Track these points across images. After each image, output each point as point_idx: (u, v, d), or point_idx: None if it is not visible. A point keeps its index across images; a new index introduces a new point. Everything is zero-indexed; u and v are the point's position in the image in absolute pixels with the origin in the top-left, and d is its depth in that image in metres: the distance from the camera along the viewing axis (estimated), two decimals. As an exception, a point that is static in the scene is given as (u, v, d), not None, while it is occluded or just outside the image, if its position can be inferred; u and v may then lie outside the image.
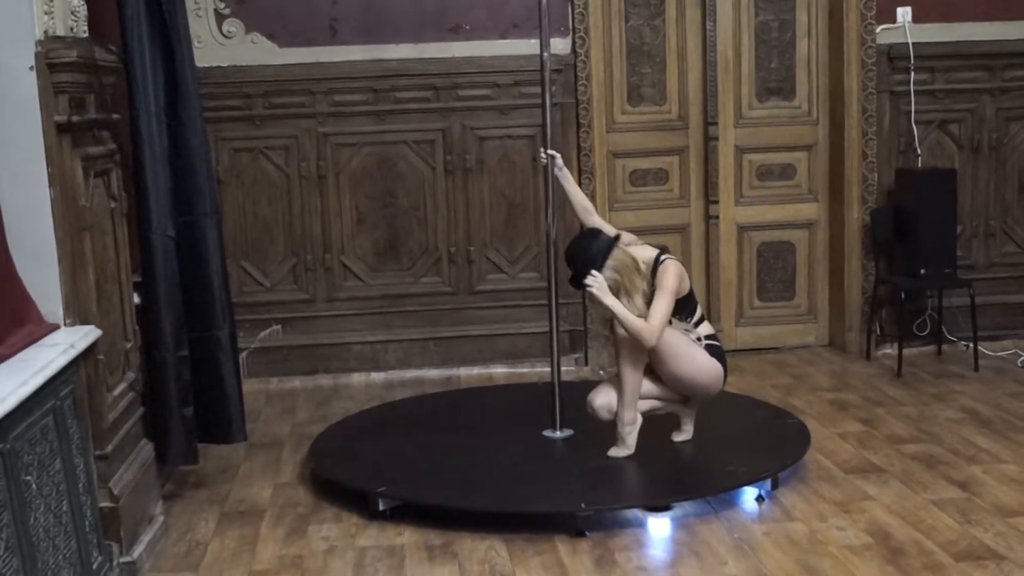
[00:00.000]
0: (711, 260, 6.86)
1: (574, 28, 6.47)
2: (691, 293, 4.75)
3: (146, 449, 4.38)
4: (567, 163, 6.37)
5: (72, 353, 3.56)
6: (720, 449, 4.88)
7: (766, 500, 4.54)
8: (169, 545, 4.29)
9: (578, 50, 6.47)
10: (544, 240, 5.40)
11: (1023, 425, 5.37)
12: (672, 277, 4.59)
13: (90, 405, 3.82)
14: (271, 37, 6.35)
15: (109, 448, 3.90)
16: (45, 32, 3.66)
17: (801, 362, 6.74)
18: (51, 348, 3.52)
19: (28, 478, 3.19)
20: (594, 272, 4.53)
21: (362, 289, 6.61)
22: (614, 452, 4.73)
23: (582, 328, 6.65)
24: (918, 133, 6.69)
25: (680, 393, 4.79)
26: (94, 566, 3.65)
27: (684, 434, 4.89)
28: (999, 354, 6.62)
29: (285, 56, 6.36)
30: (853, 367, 6.58)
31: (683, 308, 4.67)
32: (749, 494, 4.57)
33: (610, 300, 4.52)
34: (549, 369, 5.19)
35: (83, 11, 3.93)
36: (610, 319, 4.65)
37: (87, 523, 3.63)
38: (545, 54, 4.98)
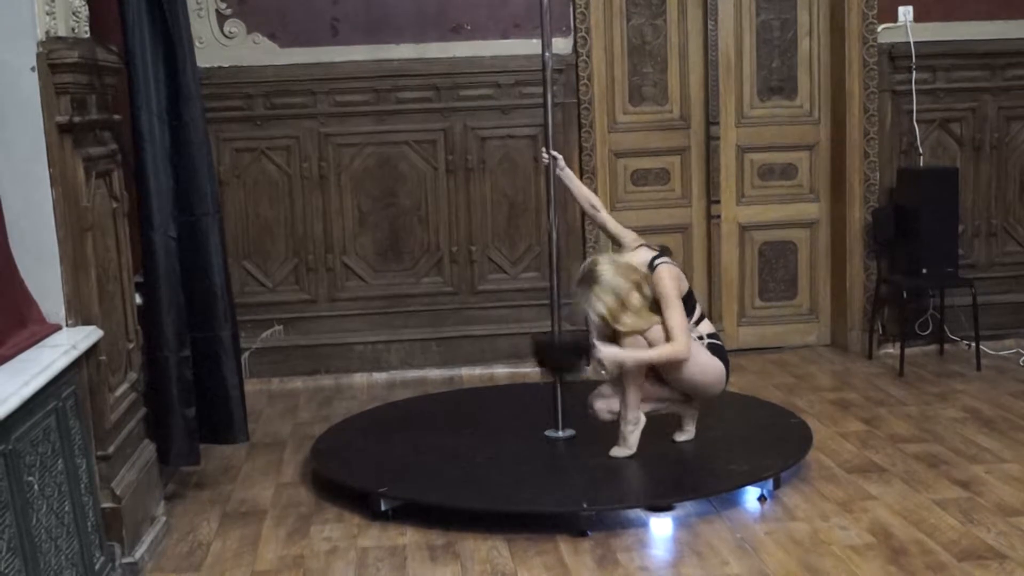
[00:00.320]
0: (713, 260, 6.86)
1: (575, 28, 6.47)
2: (690, 292, 4.75)
3: (148, 449, 4.38)
4: (568, 163, 6.38)
5: (74, 354, 3.56)
6: (722, 449, 4.88)
7: (768, 500, 4.53)
8: (171, 545, 4.29)
9: (580, 50, 6.47)
10: (546, 240, 5.40)
11: (1025, 424, 5.38)
12: (669, 282, 4.59)
13: (92, 405, 3.82)
14: (272, 37, 6.35)
15: (111, 448, 3.90)
16: (47, 32, 3.66)
17: (803, 361, 6.73)
18: (53, 349, 3.52)
19: (30, 479, 3.19)
20: (595, 343, 4.53)
21: (364, 289, 6.61)
22: (616, 452, 4.73)
23: (584, 328, 6.63)
24: (920, 132, 6.69)
25: (683, 393, 4.78)
26: (96, 567, 3.65)
27: (686, 434, 4.89)
28: (1001, 353, 6.62)
29: (286, 56, 6.36)
30: (855, 366, 6.58)
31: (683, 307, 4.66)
32: (751, 494, 4.57)
33: (628, 357, 4.53)
34: (551, 369, 5.19)
35: (84, 11, 3.94)
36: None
37: (89, 523, 3.63)
38: (547, 54, 4.98)
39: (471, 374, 6.59)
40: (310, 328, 6.59)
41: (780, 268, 6.99)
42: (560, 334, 5.01)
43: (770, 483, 4.58)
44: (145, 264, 4.43)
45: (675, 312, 4.56)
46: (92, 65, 3.87)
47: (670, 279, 4.60)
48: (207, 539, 4.36)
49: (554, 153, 5.01)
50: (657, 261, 4.65)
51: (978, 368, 6.35)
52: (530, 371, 6.41)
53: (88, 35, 3.95)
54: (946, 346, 6.76)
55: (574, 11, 6.45)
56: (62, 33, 3.74)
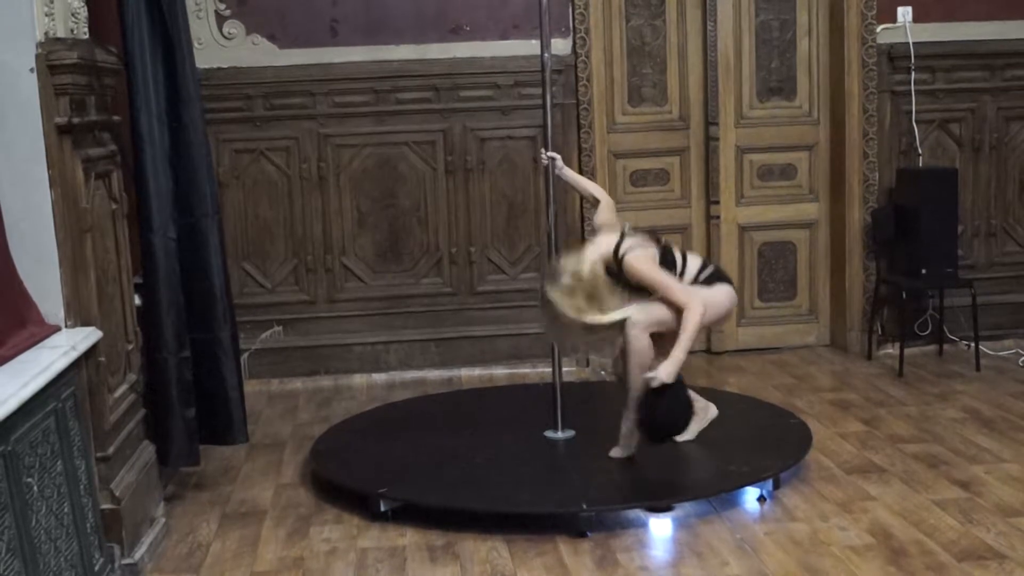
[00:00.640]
0: (712, 260, 6.84)
1: (575, 28, 6.47)
2: (665, 248, 4.69)
3: (147, 451, 4.38)
4: (568, 163, 6.38)
5: (73, 355, 3.56)
6: (721, 449, 4.87)
7: (768, 500, 4.53)
8: (171, 546, 4.29)
9: (579, 50, 6.47)
10: (545, 240, 5.40)
11: (1025, 425, 5.38)
12: (642, 265, 4.53)
13: (91, 407, 3.82)
14: (272, 38, 6.35)
15: (110, 450, 3.90)
16: (46, 34, 3.66)
17: (802, 362, 6.73)
18: (52, 350, 3.52)
19: (29, 480, 3.19)
20: (651, 375, 4.42)
21: (363, 290, 6.61)
22: (616, 452, 4.73)
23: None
24: (919, 133, 6.69)
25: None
26: (96, 568, 3.65)
27: (687, 434, 4.89)
28: (1000, 354, 6.62)
29: (286, 57, 6.36)
30: (854, 367, 6.58)
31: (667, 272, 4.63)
32: (751, 494, 4.57)
33: (676, 359, 4.43)
34: (550, 370, 5.19)
35: (84, 13, 3.93)
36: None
37: (88, 525, 3.63)
38: (546, 55, 4.98)
39: (470, 375, 6.59)
40: (309, 329, 6.59)
41: (779, 269, 6.99)
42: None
43: (770, 484, 4.58)
44: (144, 265, 4.43)
45: (668, 287, 4.52)
46: (91, 66, 3.87)
47: (641, 263, 4.53)
48: (207, 540, 4.35)
49: (552, 154, 5.01)
50: (621, 253, 4.56)
51: (977, 368, 6.35)
52: (529, 372, 6.43)
53: (87, 36, 3.95)
54: (945, 346, 6.76)
55: (573, 12, 6.46)
56: (61, 34, 3.74)
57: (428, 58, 6.42)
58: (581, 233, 6.54)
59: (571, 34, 6.47)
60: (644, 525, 4.37)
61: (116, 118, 4.19)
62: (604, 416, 4.95)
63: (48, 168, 3.67)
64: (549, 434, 5.08)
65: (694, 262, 4.76)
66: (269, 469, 5.14)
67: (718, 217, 6.85)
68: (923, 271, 6.40)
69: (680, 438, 4.87)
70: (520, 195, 6.60)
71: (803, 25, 6.81)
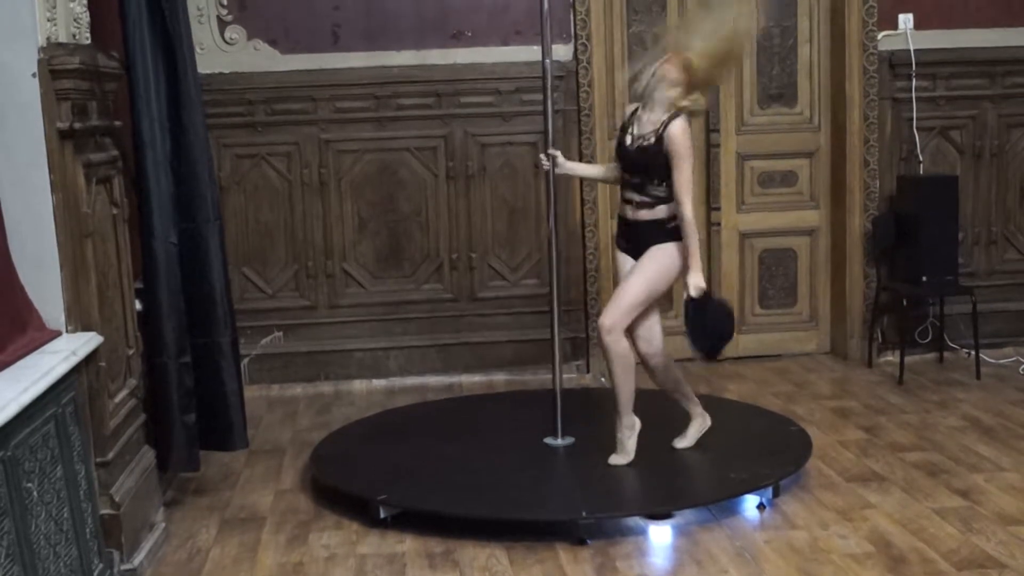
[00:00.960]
0: (713, 267, 6.85)
1: (576, 35, 6.47)
2: None
3: (147, 456, 4.38)
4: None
5: (73, 360, 3.56)
6: (721, 456, 4.87)
7: (767, 508, 4.53)
8: (170, 552, 4.29)
9: (580, 57, 6.48)
10: (545, 247, 5.40)
11: (1025, 433, 5.38)
12: (683, 139, 4.57)
13: (91, 412, 3.82)
14: (273, 43, 6.36)
15: (110, 455, 3.90)
16: (47, 38, 3.66)
17: (802, 369, 6.73)
18: (53, 355, 3.52)
19: (29, 485, 3.19)
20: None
21: (363, 296, 6.61)
22: (615, 459, 4.73)
23: (583, 335, 6.64)
24: (920, 140, 6.69)
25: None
26: (95, 573, 3.65)
27: (686, 440, 4.89)
28: (1001, 362, 6.61)
29: (287, 62, 6.36)
30: (855, 374, 6.58)
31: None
32: (750, 502, 4.57)
33: (695, 265, 4.55)
34: (550, 376, 5.19)
35: (85, 18, 3.94)
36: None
37: (88, 530, 3.63)
38: (547, 61, 4.99)
39: (470, 381, 6.58)
40: (310, 334, 6.59)
41: (780, 275, 6.99)
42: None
43: (769, 491, 4.58)
44: (145, 270, 4.43)
45: (687, 172, 4.58)
46: (93, 71, 3.88)
47: (683, 136, 4.58)
48: (206, 546, 4.35)
49: (552, 151, 5.00)
50: (679, 112, 4.61)
51: (978, 376, 6.35)
52: (530, 378, 6.43)
53: (89, 41, 3.95)
54: (946, 354, 6.76)
55: (574, 18, 6.46)
56: (63, 39, 3.74)
57: (429, 64, 6.43)
58: (582, 240, 6.55)
59: (572, 40, 6.48)
60: (644, 532, 4.36)
61: (117, 123, 4.19)
62: (604, 423, 4.94)
63: (49, 173, 3.67)
64: (549, 441, 5.07)
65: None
66: (269, 475, 5.14)
67: (719, 224, 6.85)
68: (924, 278, 6.40)
69: (680, 445, 4.88)
70: (521, 201, 6.60)
71: (804, 32, 6.81)
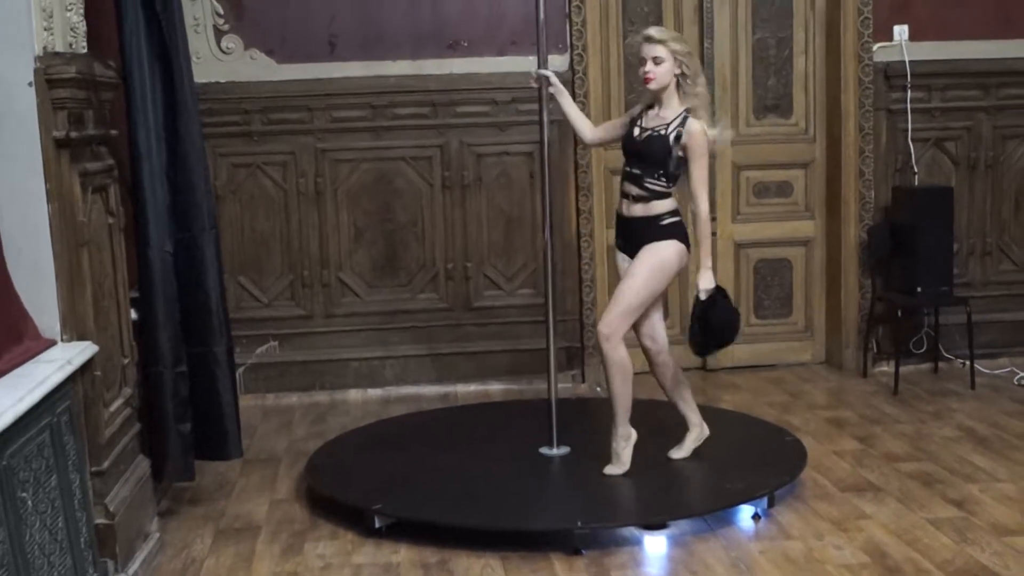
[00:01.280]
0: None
1: (572, 45, 6.48)
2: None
3: (142, 465, 4.37)
4: (564, 179, 6.42)
5: (69, 369, 3.56)
6: (716, 467, 4.87)
7: (762, 518, 4.53)
8: (165, 562, 4.28)
9: (576, 67, 6.49)
10: (541, 256, 5.40)
11: (1019, 443, 5.37)
12: (703, 138, 4.58)
13: (87, 421, 3.81)
14: (269, 53, 6.36)
15: (105, 464, 3.90)
16: (44, 48, 3.66)
17: (798, 379, 6.73)
18: (48, 364, 3.51)
19: (24, 495, 3.18)
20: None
21: (359, 305, 6.61)
22: (610, 469, 4.73)
23: (579, 345, 6.65)
24: (915, 151, 6.71)
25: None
26: (89, 583, 3.65)
27: (682, 451, 4.89)
28: (995, 372, 6.61)
29: (283, 72, 6.37)
30: (850, 384, 6.58)
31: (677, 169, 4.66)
32: (745, 512, 4.57)
33: (707, 264, 4.64)
34: (546, 386, 5.19)
35: (82, 27, 3.94)
36: None
37: (82, 540, 3.62)
38: (543, 71, 5.00)
39: (466, 391, 6.58)
40: (305, 344, 6.59)
41: (775, 286, 7.00)
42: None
43: (764, 501, 4.58)
44: (141, 279, 4.42)
45: (703, 172, 4.61)
46: (89, 80, 3.88)
47: (703, 138, 4.60)
48: (201, 555, 4.35)
49: (544, 72, 4.99)
50: (688, 117, 4.63)
51: (972, 387, 6.35)
52: (525, 388, 6.42)
53: (86, 50, 3.96)
54: (941, 364, 6.76)
55: (570, 29, 6.47)
56: (60, 48, 3.75)
57: (425, 74, 6.44)
58: (577, 250, 6.55)
59: (568, 51, 6.49)
60: (639, 543, 4.36)
61: (114, 132, 4.19)
62: (599, 433, 4.95)
63: (46, 182, 3.67)
64: (544, 451, 5.07)
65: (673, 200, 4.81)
66: (264, 484, 5.13)
67: (715, 234, 6.82)
68: (919, 289, 6.41)
69: (675, 455, 4.88)
70: (517, 211, 6.60)
71: (799, 43, 6.83)
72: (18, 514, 3.13)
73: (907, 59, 6.61)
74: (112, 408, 4.05)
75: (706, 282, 4.62)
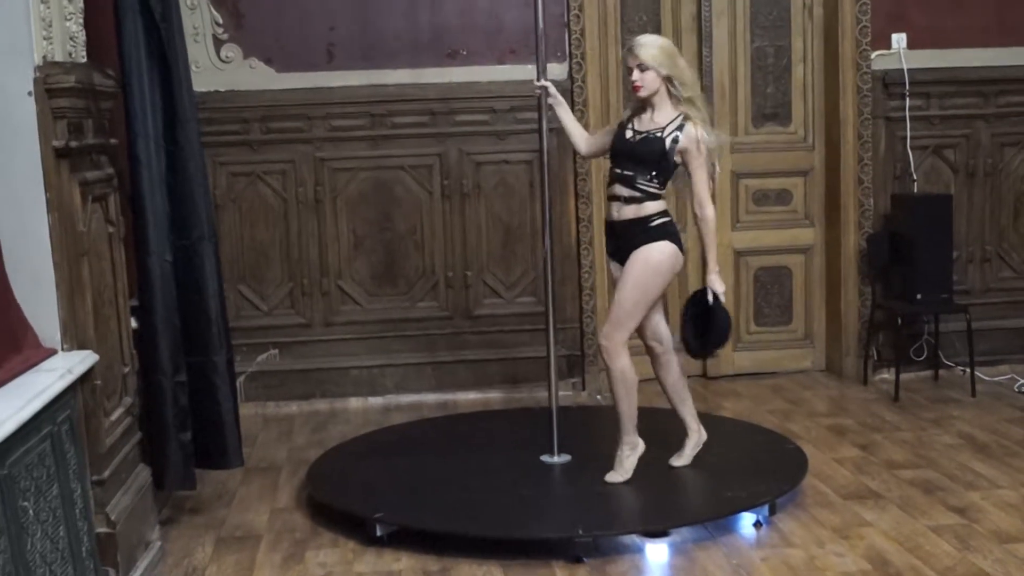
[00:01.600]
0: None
1: (571, 54, 6.49)
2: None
3: (143, 474, 4.37)
4: (563, 188, 6.43)
5: (69, 378, 3.55)
6: (717, 474, 4.87)
7: (764, 526, 4.53)
8: (166, 571, 4.28)
9: (575, 75, 6.49)
10: (541, 265, 5.40)
11: (1021, 451, 5.37)
12: (699, 144, 4.61)
13: (87, 430, 3.81)
14: (269, 62, 6.37)
15: (106, 473, 3.89)
16: (43, 57, 3.67)
17: (798, 387, 6.73)
18: (48, 373, 3.51)
19: (25, 504, 3.18)
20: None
21: (359, 313, 6.60)
22: (612, 477, 4.72)
23: (579, 353, 6.64)
24: (914, 159, 6.71)
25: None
26: (90, 592, 3.64)
27: (683, 459, 4.89)
28: (996, 379, 6.62)
29: (282, 81, 6.37)
30: (850, 392, 6.58)
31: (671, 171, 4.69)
32: (747, 520, 4.56)
33: (714, 264, 4.73)
34: (547, 394, 5.18)
35: (81, 36, 3.95)
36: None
37: (84, 549, 3.62)
38: (542, 80, 5.00)
39: (466, 399, 6.58)
40: (305, 352, 6.58)
41: (775, 294, 7.00)
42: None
43: (766, 509, 4.57)
44: (141, 288, 4.42)
45: (704, 174, 4.66)
46: (89, 90, 3.88)
47: (703, 140, 4.62)
48: (202, 564, 4.34)
49: (544, 83, 5.00)
50: (685, 121, 4.64)
51: (973, 394, 6.35)
52: (526, 396, 6.42)
53: (85, 60, 3.96)
54: (941, 372, 6.76)
55: (569, 37, 6.48)
56: (59, 58, 3.75)
57: (424, 82, 6.44)
58: (577, 258, 6.55)
59: (567, 59, 6.49)
60: (640, 551, 4.36)
61: (113, 141, 4.20)
62: (600, 441, 4.95)
63: (46, 191, 3.67)
64: (545, 459, 5.07)
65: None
66: (264, 493, 5.13)
67: (714, 241, 6.85)
68: (918, 296, 6.41)
69: (676, 463, 4.88)
70: (516, 219, 6.61)
71: (798, 51, 6.84)
72: (19, 523, 3.12)
73: (905, 67, 6.62)
74: (113, 417, 4.05)
75: (718, 284, 4.67)
